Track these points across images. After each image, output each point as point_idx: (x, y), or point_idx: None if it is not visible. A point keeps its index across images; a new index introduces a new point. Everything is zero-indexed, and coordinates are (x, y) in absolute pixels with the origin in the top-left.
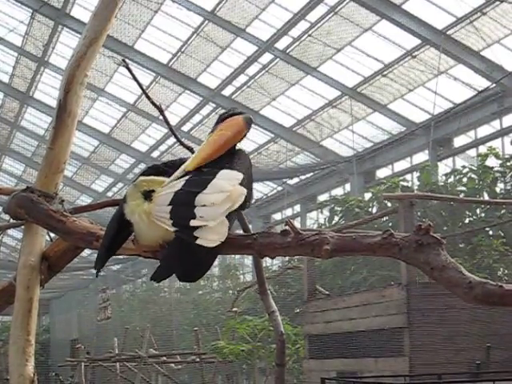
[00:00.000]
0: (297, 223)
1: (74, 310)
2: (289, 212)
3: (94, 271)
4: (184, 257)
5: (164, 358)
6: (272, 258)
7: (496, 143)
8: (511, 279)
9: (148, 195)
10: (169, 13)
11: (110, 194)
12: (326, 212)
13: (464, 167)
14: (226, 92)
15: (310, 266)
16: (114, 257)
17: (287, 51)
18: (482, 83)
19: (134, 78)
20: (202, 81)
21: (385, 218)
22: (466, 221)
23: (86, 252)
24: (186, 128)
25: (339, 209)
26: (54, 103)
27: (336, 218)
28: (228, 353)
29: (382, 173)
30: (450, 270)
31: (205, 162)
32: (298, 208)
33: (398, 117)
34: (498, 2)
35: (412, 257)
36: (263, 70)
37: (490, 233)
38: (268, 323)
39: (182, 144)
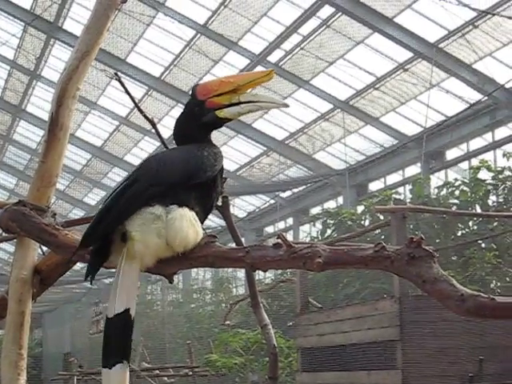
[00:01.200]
0: (289, 236)
1: (67, 324)
2: (281, 225)
3: (87, 285)
4: None
5: (157, 372)
6: (264, 271)
7: (488, 156)
8: (504, 292)
9: None
10: (161, 26)
11: None
12: (319, 225)
13: (456, 180)
14: None
15: (303, 279)
16: (107, 270)
17: (279, 64)
18: (474, 96)
19: (127, 92)
20: None
21: (377, 231)
22: (459, 233)
23: (79, 265)
24: None
25: (332, 222)
26: (46, 116)
27: (328, 231)
28: (221, 366)
29: (375, 186)
30: (442, 282)
31: None
32: (290, 221)
33: (390, 130)
34: (489, 16)
35: (404, 270)
36: None
37: (483, 245)
38: (261, 336)
39: None
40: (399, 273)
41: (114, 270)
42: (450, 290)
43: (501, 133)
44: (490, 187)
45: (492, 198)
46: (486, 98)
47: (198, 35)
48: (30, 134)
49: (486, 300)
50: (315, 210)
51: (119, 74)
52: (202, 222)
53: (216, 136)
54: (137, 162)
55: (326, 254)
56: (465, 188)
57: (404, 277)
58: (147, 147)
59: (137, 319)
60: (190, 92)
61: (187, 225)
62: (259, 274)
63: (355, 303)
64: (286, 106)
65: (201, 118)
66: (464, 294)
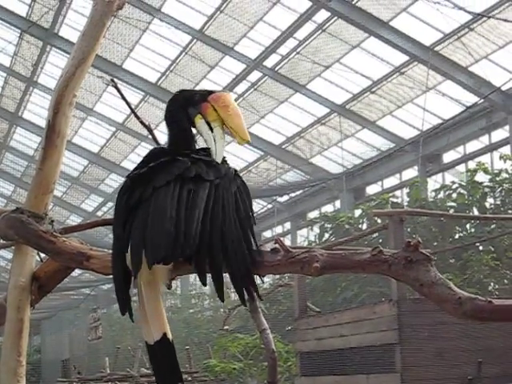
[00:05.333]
0: (287, 240)
1: (65, 330)
2: (279, 229)
3: (85, 291)
4: None
5: None
6: (262, 275)
7: (485, 158)
8: (502, 294)
9: None
10: (157, 32)
11: (99, 213)
12: (316, 229)
13: (453, 183)
14: None
15: (301, 284)
16: (105, 276)
17: (276, 69)
18: (471, 99)
19: (123, 98)
20: None
21: (375, 235)
22: (456, 236)
23: (77, 272)
24: None
25: (329, 226)
26: (43, 123)
27: (326, 235)
28: (220, 371)
29: (372, 189)
30: (440, 286)
31: None
32: (288, 225)
33: (386, 133)
34: (485, 18)
35: (402, 273)
36: (252, 88)
37: (481, 248)
38: (259, 341)
39: None
40: (397, 276)
41: (111, 277)
42: (448, 293)
43: (497, 135)
44: (487, 190)
45: (489, 201)
46: (483, 100)
47: (194, 40)
48: (27, 141)
49: (483, 303)
50: (313, 214)
51: (115, 80)
52: None
53: None
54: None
55: (324, 259)
56: (462, 191)
57: (401, 280)
58: (144, 153)
59: (135, 325)
60: (212, 89)
61: None
62: (257, 279)
63: (353, 307)
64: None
65: (190, 106)
66: (461, 297)
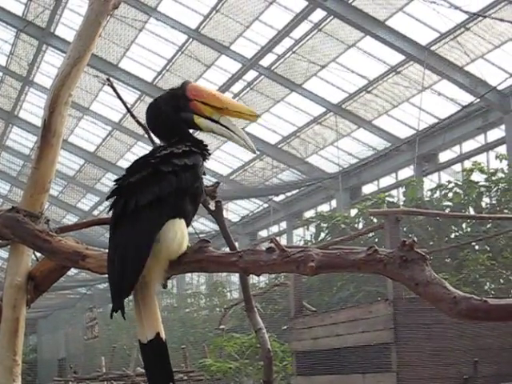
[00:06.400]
0: (283, 240)
1: (61, 330)
2: (275, 229)
3: (81, 290)
4: None
5: None
6: (258, 275)
7: (481, 158)
8: (498, 293)
9: None
10: (153, 31)
11: (95, 212)
12: (312, 228)
13: (449, 182)
14: None
15: (297, 283)
16: (101, 276)
17: (272, 68)
18: (467, 98)
19: (119, 97)
20: None
21: (371, 234)
22: (452, 236)
23: (73, 271)
24: None
25: (325, 225)
26: (39, 122)
27: (322, 235)
28: (216, 370)
29: (368, 189)
30: (435, 285)
31: None
32: (284, 225)
33: (382, 133)
34: (481, 18)
35: (397, 273)
36: (248, 87)
37: (476, 247)
38: (255, 340)
39: None
40: (392, 276)
41: (107, 276)
42: (443, 292)
43: (493, 135)
44: (483, 189)
45: (485, 200)
46: (479, 100)
47: (190, 40)
48: (23, 140)
49: (478, 302)
50: (309, 214)
51: (111, 79)
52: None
53: (209, 140)
54: None
55: (319, 258)
56: (458, 190)
57: (397, 280)
58: (140, 152)
59: (131, 324)
60: (182, 84)
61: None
62: (253, 278)
63: (349, 306)
64: (254, 152)
65: (180, 112)
66: (456, 297)
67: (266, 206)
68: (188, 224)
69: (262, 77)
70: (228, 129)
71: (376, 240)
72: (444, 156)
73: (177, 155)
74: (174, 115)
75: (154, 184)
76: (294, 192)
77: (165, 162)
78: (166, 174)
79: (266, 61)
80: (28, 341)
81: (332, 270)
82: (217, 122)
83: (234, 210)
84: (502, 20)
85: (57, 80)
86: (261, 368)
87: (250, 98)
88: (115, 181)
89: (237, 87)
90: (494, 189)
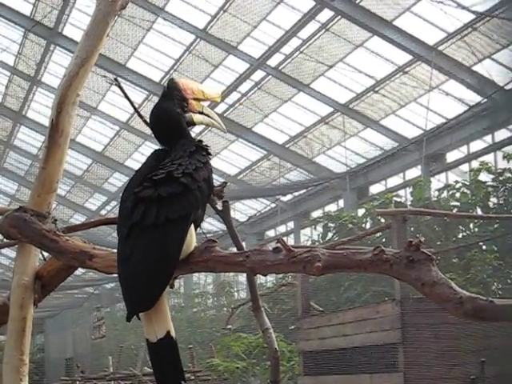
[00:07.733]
0: (290, 240)
1: (69, 329)
2: (282, 229)
3: (89, 290)
4: None
5: None
6: (264, 275)
7: (488, 158)
8: (505, 294)
9: None
10: (161, 31)
11: (103, 212)
12: (320, 228)
13: (457, 182)
14: (219, 109)
15: (304, 283)
16: (108, 275)
17: (279, 68)
18: (474, 98)
19: (126, 97)
20: None
21: (378, 234)
22: (460, 236)
23: (80, 271)
24: None
25: (332, 225)
26: (46, 122)
27: (329, 235)
28: (223, 370)
29: (375, 189)
30: (441, 285)
31: None
32: (291, 225)
33: (390, 132)
34: (488, 18)
35: (403, 273)
36: (255, 87)
37: (484, 247)
38: (262, 340)
39: None
40: (398, 276)
41: (115, 275)
42: (449, 292)
43: (501, 134)
44: (490, 189)
45: (493, 200)
46: (486, 99)
47: (198, 40)
48: (31, 140)
49: (484, 303)
50: (316, 214)
51: (119, 79)
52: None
53: (216, 140)
54: (137, 166)
55: (326, 258)
56: (465, 190)
57: (403, 280)
58: (148, 152)
59: (138, 324)
60: (171, 83)
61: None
62: (260, 278)
63: (357, 306)
64: (225, 131)
65: (185, 114)
66: (463, 297)
67: (273, 205)
68: (198, 226)
69: (270, 77)
70: (209, 117)
71: (383, 240)
72: (451, 156)
73: (198, 169)
74: (183, 119)
75: (183, 200)
76: (301, 192)
77: (190, 176)
78: (193, 191)
79: (273, 61)
80: (35, 340)
81: (338, 270)
82: (202, 112)
83: (242, 210)
84: (509, 20)
85: (64, 80)
86: (268, 368)
87: (258, 97)
88: (135, 189)
89: (244, 87)
90: (502, 189)
